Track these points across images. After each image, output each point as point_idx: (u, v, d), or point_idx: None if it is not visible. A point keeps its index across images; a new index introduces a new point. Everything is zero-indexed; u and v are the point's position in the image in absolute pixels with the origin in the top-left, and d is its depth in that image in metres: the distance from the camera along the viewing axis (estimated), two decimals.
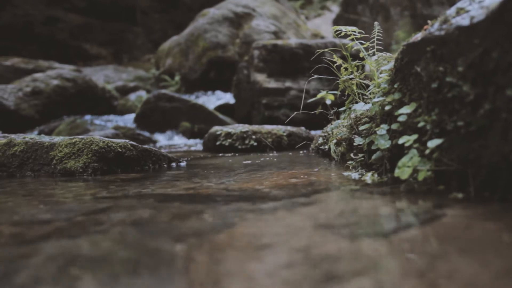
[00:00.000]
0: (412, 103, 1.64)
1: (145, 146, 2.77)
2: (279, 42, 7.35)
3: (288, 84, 7.04)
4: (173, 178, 2.30)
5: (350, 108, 2.39)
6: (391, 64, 1.92)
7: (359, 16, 16.23)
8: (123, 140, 2.65)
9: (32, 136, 2.89)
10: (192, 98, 7.71)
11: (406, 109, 1.66)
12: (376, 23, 2.52)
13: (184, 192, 1.82)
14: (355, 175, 1.98)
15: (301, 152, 3.46)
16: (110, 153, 2.53)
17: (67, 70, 8.10)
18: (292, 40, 7.74)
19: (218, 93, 8.67)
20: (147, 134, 6.03)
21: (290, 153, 3.37)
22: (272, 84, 7.01)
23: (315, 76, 2.52)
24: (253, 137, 3.68)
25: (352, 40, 2.36)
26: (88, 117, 7.01)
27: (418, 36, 1.62)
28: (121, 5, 14.47)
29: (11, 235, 1.27)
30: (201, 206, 1.55)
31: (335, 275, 0.79)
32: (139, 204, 1.64)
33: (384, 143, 1.77)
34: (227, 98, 8.21)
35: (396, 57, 1.79)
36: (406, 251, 0.90)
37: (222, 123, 6.32)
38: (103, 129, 6.10)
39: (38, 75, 7.33)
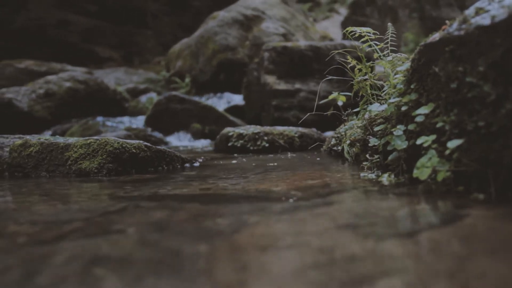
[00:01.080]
0: (429, 104, 1.63)
1: (159, 147, 2.77)
2: (289, 44, 7.35)
3: (297, 85, 7.03)
4: (188, 179, 2.30)
5: (364, 109, 2.38)
6: (407, 65, 1.91)
7: (367, 18, 16.18)
8: (137, 141, 2.66)
9: (47, 137, 2.91)
10: (202, 100, 7.73)
11: (423, 110, 1.64)
12: (389, 24, 2.51)
13: (200, 192, 1.82)
14: (371, 175, 1.96)
15: (314, 153, 3.45)
16: (125, 154, 2.54)
17: (79, 72, 8.17)
18: (301, 42, 7.73)
19: (228, 95, 8.69)
20: (158, 135, 6.05)
21: (303, 154, 3.36)
22: (282, 86, 7.01)
23: (329, 78, 2.52)
24: (265, 138, 3.68)
25: (366, 41, 2.35)
26: (100, 118, 7.05)
27: (436, 36, 1.61)
28: (131, 8, 14.56)
29: (30, 235, 1.28)
30: (218, 207, 1.55)
31: (363, 275, 0.79)
32: (156, 204, 1.64)
33: (401, 144, 1.76)
34: (237, 100, 8.22)
35: (413, 57, 1.78)
36: (433, 252, 0.89)
37: (232, 124, 6.32)
38: (115, 130, 6.13)
39: (51, 77, 7.39)
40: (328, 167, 2.56)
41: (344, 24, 15.24)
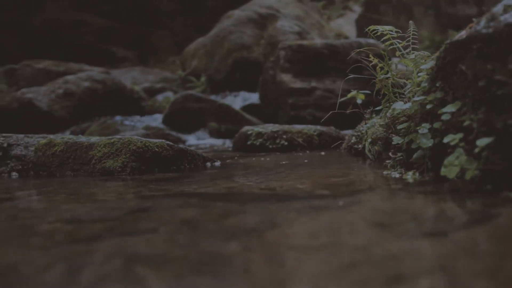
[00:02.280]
0: (456, 102, 1.63)
1: (181, 145, 2.80)
2: (305, 42, 7.34)
3: (313, 84, 7.02)
4: (211, 178, 2.33)
5: (387, 107, 2.38)
6: (431, 63, 1.90)
7: (381, 16, 16.06)
8: (160, 140, 2.69)
9: (70, 136, 2.96)
10: (218, 98, 7.76)
11: (450, 108, 1.64)
12: (411, 22, 2.51)
13: (226, 191, 1.84)
14: (394, 174, 1.96)
15: (333, 151, 3.45)
16: (148, 152, 2.57)
17: (96, 72, 8.26)
18: (317, 40, 7.71)
19: (244, 93, 8.71)
20: (176, 134, 6.10)
21: (322, 153, 3.36)
22: (297, 84, 7.01)
23: (350, 76, 2.52)
24: (284, 136, 3.69)
25: (387, 39, 2.35)
26: (118, 118, 7.13)
27: (463, 34, 1.61)
28: (146, 8, 14.66)
29: (65, 233, 1.31)
30: (246, 205, 1.57)
31: (402, 274, 0.79)
32: (184, 203, 1.66)
33: (426, 142, 1.76)
34: (253, 98, 8.24)
35: (438, 55, 1.78)
36: (470, 251, 0.89)
37: (249, 123, 6.34)
38: (133, 129, 6.20)
39: (69, 77, 7.49)
40: (349, 165, 2.56)
41: (358, 22, 15.14)
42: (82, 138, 2.84)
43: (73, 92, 7.25)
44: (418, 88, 2.04)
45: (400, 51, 2.28)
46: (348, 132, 4.28)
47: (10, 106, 6.99)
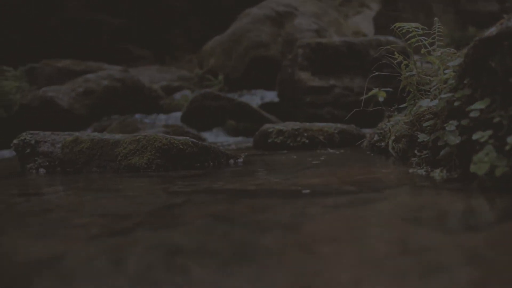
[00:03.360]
0: (485, 99, 1.62)
1: (204, 143, 2.84)
2: (323, 40, 7.33)
3: (332, 82, 7.01)
4: (237, 175, 2.35)
5: (412, 104, 2.38)
6: (459, 60, 1.90)
7: (400, 13, 15.91)
8: (184, 137, 2.73)
9: (95, 133, 3.02)
10: (235, 97, 7.79)
11: (478, 105, 1.64)
12: (436, 19, 2.50)
13: (253, 187, 1.86)
14: (421, 171, 1.96)
15: (354, 149, 3.46)
16: (173, 150, 2.61)
17: (116, 70, 8.36)
18: (335, 38, 7.69)
19: (261, 91, 8.73)
20: (194, 132, 6.15)
21: (343, 151, 3.37)
22: (316, 82, 7.00)
23: (375, 73, 2.52)
24: (305, 134, 3.70)
25: (413, 36, 2.35)
26: (137, 116, 7.21)
27: (493, 30, 1.60)
28: (161, 7, 14.76)
29: (102, 226, 1.35)
30: (275, 201, 1.59)
31: (439, 265, 0.81)
32: (213, 198, 1.69)
33: (454, 139, 1.76)
34: (271, 96, 8.26)
35: (467, 52, 1.77)
36: (503, 244, 0.90)
37: (267, 121, 6.36)
38: (153, 127, 6.26)
39: (89, 76, 7.61)
40: (373, 163, 2.56)
41: (376, 19, 15.03)
42: (107, 136, 2.89)
43: (93, 91, 7.35)
44: (444, 85, 2.04)
45: (426, 48, 2.28)
46: (369, 130, 4.27)
47: (31, 104, 7.12)
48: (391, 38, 7.17)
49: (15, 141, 2.98)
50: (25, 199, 1.96)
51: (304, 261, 0.92)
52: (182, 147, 2.64)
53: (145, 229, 1.28)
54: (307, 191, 1.70)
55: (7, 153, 5.35)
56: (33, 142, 2.95)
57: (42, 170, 2.88)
